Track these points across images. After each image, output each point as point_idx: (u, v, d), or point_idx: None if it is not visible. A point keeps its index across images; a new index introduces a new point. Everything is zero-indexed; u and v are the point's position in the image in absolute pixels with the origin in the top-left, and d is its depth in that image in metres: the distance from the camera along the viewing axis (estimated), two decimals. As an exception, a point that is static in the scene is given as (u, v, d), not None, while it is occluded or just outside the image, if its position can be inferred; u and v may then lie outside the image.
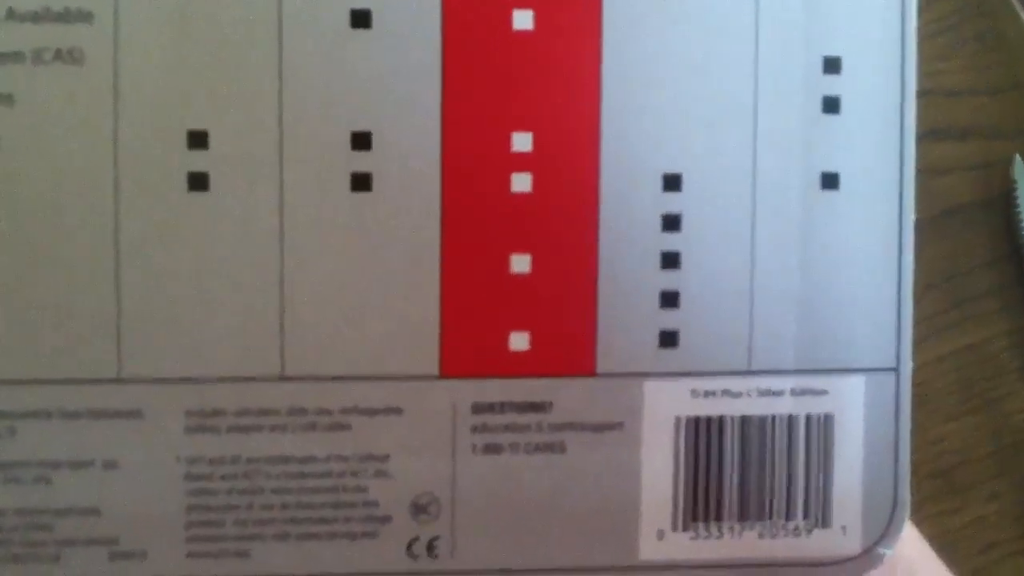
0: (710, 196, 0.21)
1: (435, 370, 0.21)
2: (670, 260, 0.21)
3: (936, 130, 0.38)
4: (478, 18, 0.20)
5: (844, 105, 0.21)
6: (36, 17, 0.19)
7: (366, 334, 0.20)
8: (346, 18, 0.20)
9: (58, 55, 0.19)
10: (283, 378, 0.20)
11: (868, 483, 0.22)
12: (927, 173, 0.38)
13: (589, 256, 0.21)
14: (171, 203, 0.20)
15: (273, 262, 0.20)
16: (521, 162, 0.20)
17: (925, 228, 0.37)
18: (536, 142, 0.20)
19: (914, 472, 0.34)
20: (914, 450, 0.34)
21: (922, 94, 0.37)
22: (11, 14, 0.19)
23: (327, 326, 0.20)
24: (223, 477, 0.20)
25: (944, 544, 0.34)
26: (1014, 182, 0.38)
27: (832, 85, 0.21)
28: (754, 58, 0.21)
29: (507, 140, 0.20)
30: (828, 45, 0.21)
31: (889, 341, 0.21)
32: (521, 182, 0.20)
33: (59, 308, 0.20)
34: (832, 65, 0.21)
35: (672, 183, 0.21)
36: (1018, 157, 0.38)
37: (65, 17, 0.19)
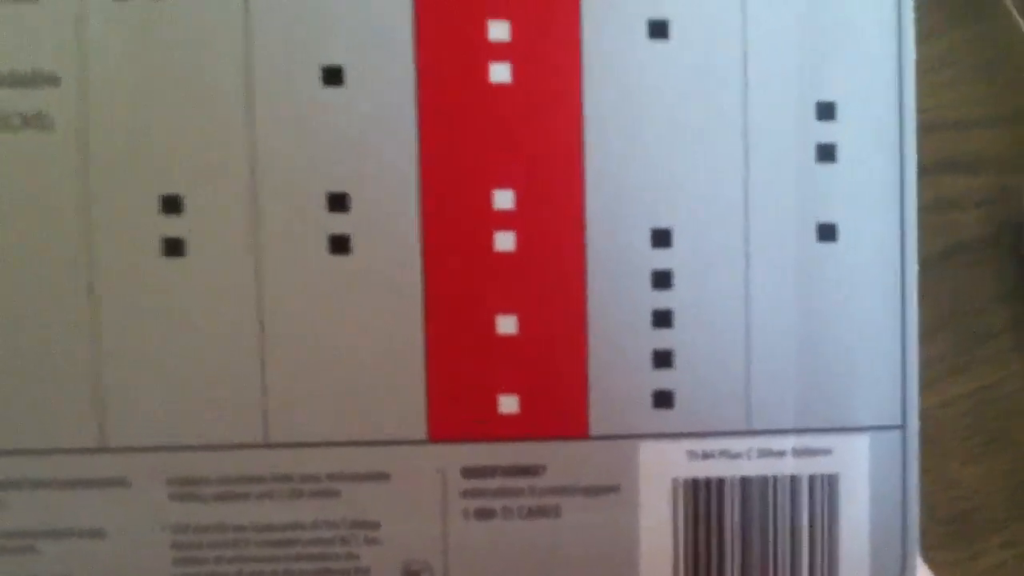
0: (702, 251, 0.20)
1: (423, 434, 0.20)
2: (662, 318, 0.20)
3: (944, 163, 0.37)
4: (453, 72, 0.19)
5: (840, 152, 0.20)
6: (2, 81, 0.19)
7: (351, 399, 0.19)
8: (318, 76, 0.19)
9: (26, 122, 0.19)
10: (267, 445, 0.19)
11: (876, 544, 0.20)
12: (936, 208, 0.36)
13: (578, 315, 0.20)
14: (147, 269, 0.19)
15: (252, 328, 0.19)
16: (503, 220, 0.19)
17: (934, 264, 0.36)
18: (518, 199, 0.19)
19: (929, 517, 0.33)
20: (928, 494, 0.33)
21: (930, 128, 0.36)
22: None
23: (310, 391, 0.19)
24: (209, 545, 0.20)
25: (962, 592, 0.33)
26: None
27: (827, 132, 0.20)
28: (743, 107, 0.20)
29: (488, 198, 0.19)
30: (821, 90, 0.20)
31: (894, 397, 0.20)
32: (504, 241, 0.20)
33: (40, 378, 0.19)
34: (826, 111, 0.20)
35: (661, 239, 0.20)
36: None
37: (32, 81, 0.19)
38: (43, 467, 0.19)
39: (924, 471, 0.32)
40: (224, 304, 0.19)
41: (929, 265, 0.34)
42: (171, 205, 0.19)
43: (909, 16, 0.20)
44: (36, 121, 0.19)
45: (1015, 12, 0.35)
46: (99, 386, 0.19)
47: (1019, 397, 0.36)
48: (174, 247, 0.19)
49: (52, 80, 0.19)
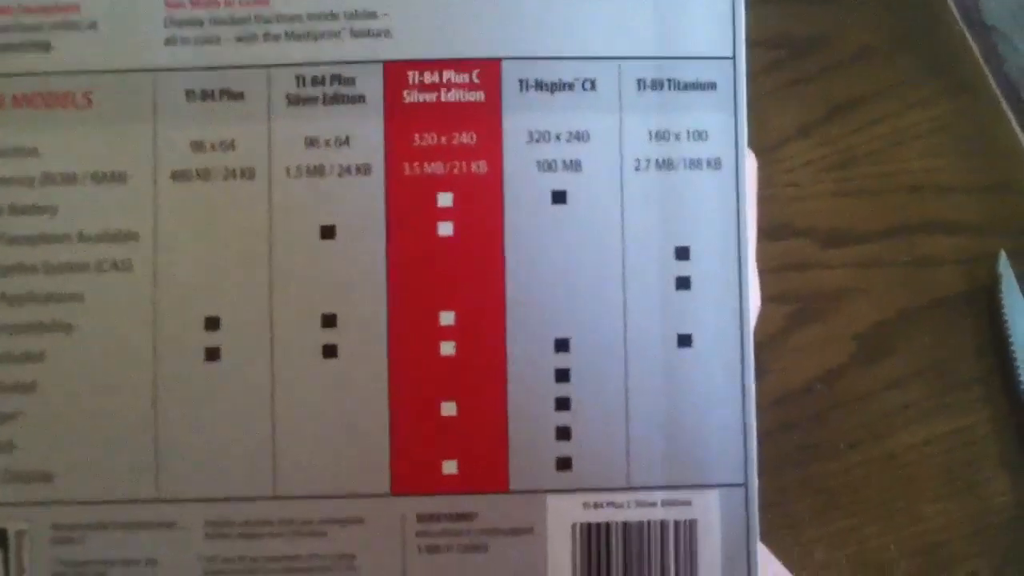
0: (592, 355, 0.27)
1: (387, 489, 0.27)
2: (562, 404, 0.27)
3: (928, 224, 0.40)
4: (412, 228, 0.27)
5: (694, 283, 0.27)
6: (98, 238, 0.27)
7: (335, 463, 0.27)
8: (317, 232, 0.27)
9: (113, 265, 0.27)
10: (275, 497, 0.27)
11: (727, 573, 0.27)
12: (918, 264, 0.41)
13: (500, 403, 0.27)
14: (191, 368, 0.27)
15: (266, 414, 0.27)
16: (447, 333, 0.27)
17: (916, 316, 0.40)
18: (458, 318, 0.27)
19: (900, 549, 0.37)
20: (899, 527, 0.37)
21: (916, 189, 0.40)
22: (81, 236, 0.27)
23: (308, 459, 0.27)
24: (233, 572, 0.27)
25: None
26: (999, 276, 0.40)
27: (683, 268, 0.27)
28: (622, 252, 0.27)
29: (436, 317, 0.27)
30: (678, 238, 0.27)
31: (738, 461, 0.27)
32: (448, 348, 0.27)
33: (112, 448, 0.27)
34: (682, 253, 0.27)
35: (562, 345, 0.27)
36: (1003, 253, 0.40)
37: (117, 237, 0.27)
38: (114, 513, 0.27)
39: (899, 505, 0.36)
40: (247, 397, 0.27)
41: (911, 317, 0.39)
42: (212, 323, 0.27)
43: (744, 181, 0.27)
44: (121, 265, 0.27)
45: (998, 92, 0.40)
46: (156, 454, 0.27)
47: (987, 442, 0.39)
48: (212, 354, 0.27)
49: (133, 236, 0.27)
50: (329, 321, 0.27)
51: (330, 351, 0.27)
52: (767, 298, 0.30)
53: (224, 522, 0.27)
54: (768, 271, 0.32)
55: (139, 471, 0.26)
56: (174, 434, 0.26)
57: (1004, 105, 0.41)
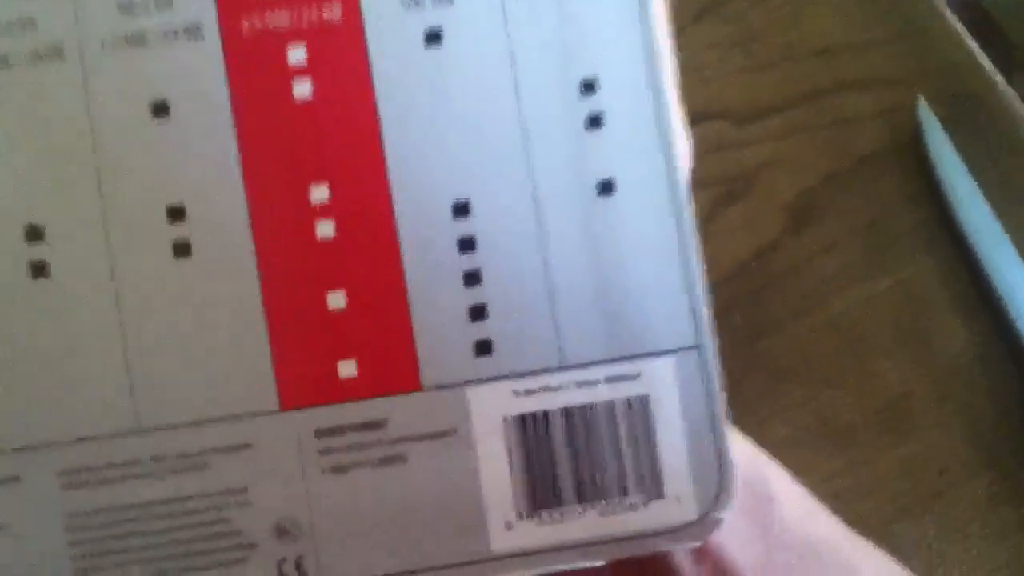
0: (498, 216, 0.22)
1: (275, 405, 0.21)
2: (471, 278, 0.22)
3: (838, 83, 0.38)
4: (262, 94, 0.21)
5: (606, 119, 0.22)
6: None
7: (207, 382, 0.21)
8: (147, 111, 0.21)
9: None
10: (140, 431, 0.21)
11: (694, 453, 0.22)
12: (837, 125, 0.38)
13: (397, 285, 0.21)
14: (13, 290, 0.21)
15: (114, 328, 0.21)
16: (322, 211, 0.21)
17: (842, 178, 0.38)
18: (332, 191, 0.21)
19: (858, 409, 0.34)
20: (855, 388, 0.34)
21: (821, 52, 0.38)
22: None
23: (171, 376, 0.21)
24: (100, 526, 0.21)
25: (900, 473, 0.33)
26: (920, 122, 0.38)
27: (592, 104, 0.22)
28: (515, 92, 0.22)
29: (306, 192, 0.21)
30: (584, 68, 0.22)
31: (686, 322, 0.22)
32: (325, 228, 0.21)
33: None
34: (588, 86, 0.22)
35: (461, 210, 0.22)
36: (921, 99, 0.38)
37: None
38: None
39: (851, 367, 0.33)
40: (86, 312, 0.21)
41: (836, 179, 0.36)
42: (34, 233, 0.21)
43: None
44: None
45: None
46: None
47: (933, 290, 0.37)
48: (39, 269, 0.21)
49: None
50: (176, 214, 0.21)
51: (182, 249, 0.21)
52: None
53: (81, 468, 0.20)
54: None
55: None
56: (3, 368, 0.20)
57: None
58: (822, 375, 0.36)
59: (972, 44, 0.40)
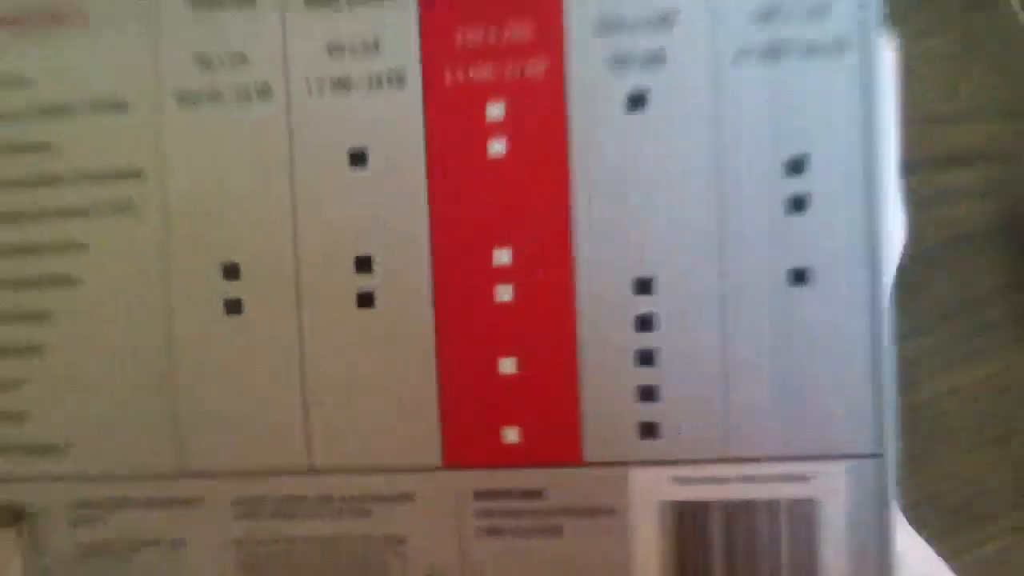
0: (681, 296, 0.20)
1: (439, 461, 0.21)
2: (646, 357, 0.21)
3: (944, 156, 0.34)
4: (457, 149, 0.21)
5: (811, 203, 0.20)
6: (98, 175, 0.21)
7: (377, 431, 0.21)
8: (345, 159, 0.21)
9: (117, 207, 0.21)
10: (312, 471, 0.21)
11: (856, 564, 0.20)
12: (936, 201, 0.34)
13: (570, 356, 0.21)
14: (209, 324, 0.21)
15: (295, 372, 0.21)
16: (503, 275, 0.21)
17: (937, 255, 0.33)
18: (515, 256, 0.21)
19: (933, 505, 0.32)
20: (932, 482, 0.31)
21: (931, 120, 0.34)
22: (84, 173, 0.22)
23: (346, 426, 0.21)
24: (267, 556, 0.22)
25: (971, 576, 0.31)
26: None
27: (797, 185, 0.20)
28: (717, 165, 0.20)
29: (489, 255, 0.21)
30: (791, 146, 0.20)
31: (869, 428, 0.20)
32: (504, 292, 0.21)
33: (127, 413, 0.21)
34: (796, 165, 0.20)
35: (644, 286, 0.20)
36: None
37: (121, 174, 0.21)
38: (136, 489, 0.22)
39: (930, 460, 0.31)
40: (273, 354, 0.21)
41: (931, 256, 0.33)
42: (231, 271, 0.21)
43: (878, 69, 0.20)
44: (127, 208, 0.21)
45: (1016, 5, 0.34)
46: (176, 423, 0.22)
47: (1022, 386, 0.33)
48: (234, 307, 0.21)
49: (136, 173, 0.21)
50: (363, 265, 0.21)
51: (366, 300, 0.21)
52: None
53: (256, 499, 0.21)
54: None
55: (160, 441, 0.21)
56: (195, 399, 0.21)
57: (1022, 18, 0.34)
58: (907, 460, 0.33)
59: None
